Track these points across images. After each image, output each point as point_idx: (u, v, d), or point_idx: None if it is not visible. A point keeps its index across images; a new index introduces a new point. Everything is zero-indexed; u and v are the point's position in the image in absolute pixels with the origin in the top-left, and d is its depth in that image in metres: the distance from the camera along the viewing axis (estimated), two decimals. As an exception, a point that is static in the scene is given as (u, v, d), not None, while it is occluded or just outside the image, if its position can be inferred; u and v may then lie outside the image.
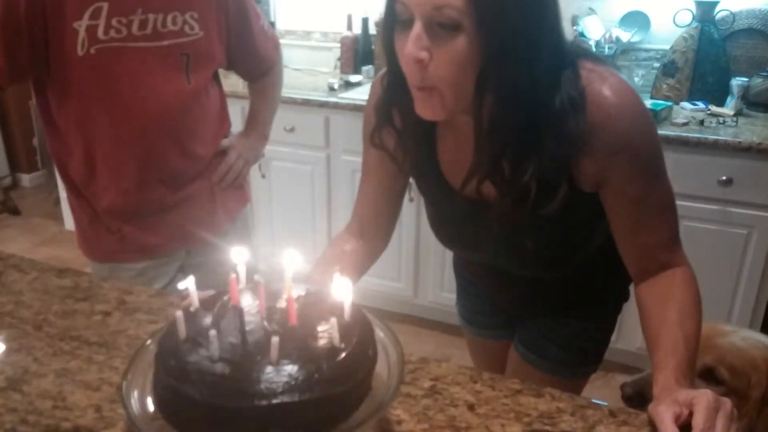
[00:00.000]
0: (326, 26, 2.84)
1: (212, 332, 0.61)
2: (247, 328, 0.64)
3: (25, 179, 3.96)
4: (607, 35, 2.31)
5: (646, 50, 2.37)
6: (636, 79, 2.31)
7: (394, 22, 0.76)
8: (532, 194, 0.80)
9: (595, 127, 0.77)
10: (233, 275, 0.68)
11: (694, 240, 1.82)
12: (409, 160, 0.92)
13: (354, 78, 2.54)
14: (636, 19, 2.33)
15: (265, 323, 0.65)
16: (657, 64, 2.31)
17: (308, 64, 2.85)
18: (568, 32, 2.26)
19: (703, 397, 0.66)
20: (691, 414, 0.66)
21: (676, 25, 2.23)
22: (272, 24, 2.84)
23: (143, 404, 0.64)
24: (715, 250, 1.94)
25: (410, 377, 0.81)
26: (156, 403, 0.64)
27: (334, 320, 0.63)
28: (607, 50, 2.28)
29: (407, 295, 2.47)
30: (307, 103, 2.35)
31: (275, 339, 0.60)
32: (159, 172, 1.27)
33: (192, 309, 0.68)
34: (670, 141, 1.87)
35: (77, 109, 1.20)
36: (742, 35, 2.23)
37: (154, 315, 0.96)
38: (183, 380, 0.60)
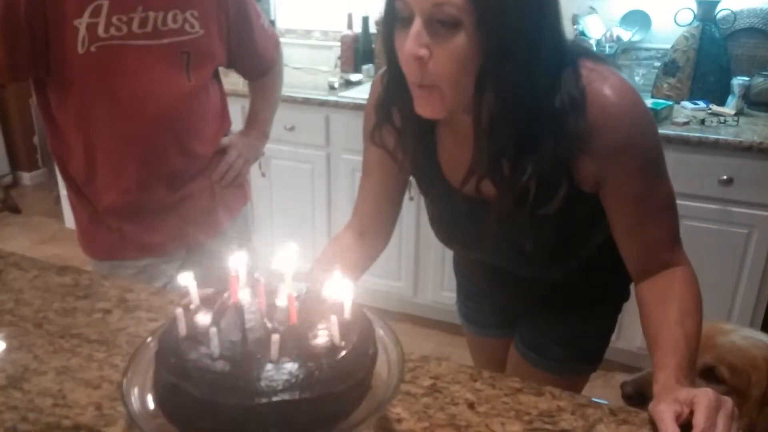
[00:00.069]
0: (326, 25, 2.84)
1: (212, 330, 0.61)
2: (248, 326, 0.64)
3: (26, 177, 3.96)
4: (607, 34, 2.30)
5: (647, 49, 2.37)
6: (637, 79, 2.31)
7: (394, 19, 0.76)
8: (532, 194, 0.80)
9: (596, 126, 0.77)
10: (233, 273, 0.68)
11: (694, 239, 1.82)
12: (409, 158, 0.92)
13: (354, 77, 2.54)
14: (637, 18, 2.33)
15: (266, 321, 0.65)
16: (658, 64, 2.31)
17: (308, 63, 2.85)
18: (569, 31, 2.26)
19: (704, 395, 0.66)
20: (691, 413, 0.66)
21: (677, 24, 2.23)
22: (272, 22, 2.84)
23: (143, 402, 0.64)
24: (716, 250, 1.94)
25: (410, 376, 0.81)
26: (156, 400, 0.64)
27: (334, 318, 0.63)
28: (607, 49, 2.28)
29: (407, 294, 2.47)
30: (307, 101, 2.35)
31: (275, 337, 0.60)
32: (159, 170, 1.27)
33: (192, 307, 0.68)
34: (671, 140, 1.87)
35: (77, 107, 1.19)
36: (743, 34, 2.22)
37: (154, 313, 0.96)
38: (183, 378, 0.60)
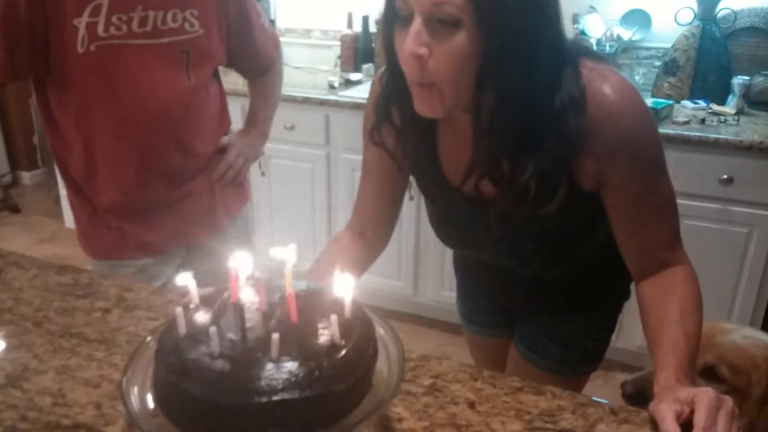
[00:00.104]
0: (326, 24, 2.83)
1: (212, 329, 0.61)
2: (248, 324, 0.64)
3: (26, 177, 3.96)
4: (608, 33, 2.30)
5: (647, 48, 2.37)
6: (637, 78, 2.30)
7: (393, 18, 0.76)
8: (532, 193, 0.80)
9: (596, 125, 0.77)
10: (233, 272, 0.68)
11: (694, 239, 1.82)
12: (408, 158, 0.92)
13: (354, 76, 2.54)
14: (637, 18, 2.32)
15: (266, 320, 0.65)
16: (658, 63, 2.30)
17: (308, 62, 2.85)
18: (569, 30, 2.26)
19: (705, 395, 0.66)
20: (692, 412, 0.66)
21: (678, 23, 2.22)
22: (272, 22, 2.84)
23: (143, 401, 0.64)
24: (716, 249, 1.94)
25: (410, 375, 0.81)
26: (156, 399, 0.64)
27: (334, 317, 0.63)
28: (608, 48, 2.28)
29: (407, 294, 2.47)
30: (307, 101, 2.35)
31: (275, 336, 0.60)
32: (159, 169, 1.26)
33: (192, 306, 0.68)
34: (671, 140, 1.87)
35: (77, 107, 1.19)
36: (744, 33, 2.22)
37: (153, 312, 0.96)
38: (183, 377, 0.59)
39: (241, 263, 0.70)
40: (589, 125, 0.77)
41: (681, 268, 0.85)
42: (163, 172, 1.27)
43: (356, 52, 2.66)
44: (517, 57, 0.72)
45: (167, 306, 0.97)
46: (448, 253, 1.27)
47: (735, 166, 1.86)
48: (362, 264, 0.99)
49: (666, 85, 2.23)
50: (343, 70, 2.68)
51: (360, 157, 1.02)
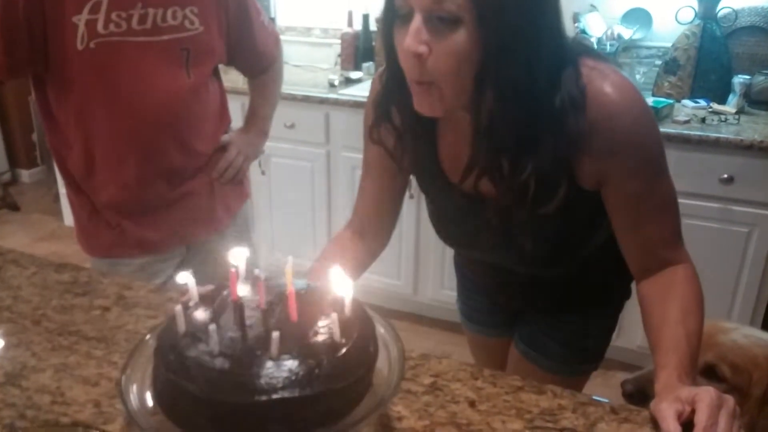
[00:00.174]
0: (327, 22, 2.83)
1: (212, 327, 0.61)
2: (247, 322, 0.64)
3: (25, 175, 3.95)
4: (608, 32, 2.30)
5: (648, 48, 2.36)
6: (637, 77, 2.30)
7: (393, 16, 0.75)
8: (531, 192, 0.80)
9: (596, 124, 0.77)
10: (233, 270, 0.68)
11: (695, 238, 1.81)
12: (408, 156, 0.91)
13: (354, 74, 2.54)
14: (638, 16, 2.32)
15: (266, 318, 0.65)
16: (659, 62, 2.30)
17: (308, 61, 2.84)
18: (570, 29, 2.26)
19: (706, 394, 0.66)
20: (693, 411, 0.66)
21: (678, 22, 2.22)
22: (272, 20, 2.83)
23: (142, 399, 0.64)
24: (716, 249, 1.94)
25: (411, 373, 0.80)
26: (155, 398, 0.64)
27: (334, 315, 0.63)
28: (608, 47, 2.28)
29: (407, 293, 2.47)
30: (307, 99, 2.35)
31: (275, 334, 0.59)
32: (159, 167, 1.26)
33: (191, 304, 0.67)
34: (672, 139, 1.87)
35: (76, 104, 1.19)
36: (745, 33, 2.22)
37: (153, 310, 0.96)
38: (182, 375, 0.59)
39: (240, 261, 0.69)
40: (589, 125, 0.77)
41: (682, 266, 0.85)
42: (162, 170, 1.27)
43: (356, 50, 2.66)
44: (517, 56, 0.72)
45: (167, 304, 0.97)
46: (449, 252, 1.26)
47: (735, 166, 1.86)
48: (362, 263, 0.99)
49: (666, 84, 2.23)
50: (344, 68, 2.68)
51: (360, 156, 1.01)
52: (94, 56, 1.13)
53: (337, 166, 2.41)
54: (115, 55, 1.15)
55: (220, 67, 1.36)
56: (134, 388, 0.65)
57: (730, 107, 2.06)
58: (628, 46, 2.35)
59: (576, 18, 2.33)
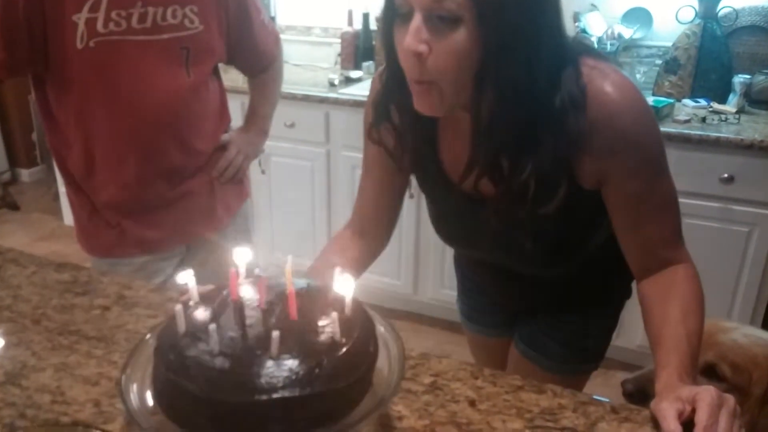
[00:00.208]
0: (327, 21, 2.83)
1: (212, 326, 0.60)
2: (247, 322, 0.64)
3: (24, 174, 3.95)
4: (609, 32, 2.30)
5: (648, 47, 2.36)
6: (638, 76, 2.30)
7: (393, 15, 0.75)
8: (531, 192, 0.79)
9: (597, 124, 0.77)
10: (233, 269, 0.68)
11: (695, 237, 1.80)
12: (408, 156, 0.91)
13: (354, 74, 2.53)
14: (638, 16, 2.32)
15: (266, 318, 0.65)
16: (659, 61, 2.30)
17: (308, 60, 2.84)
18: (570, 28, 2.26)
19: (706, 393, 0.66)
20: (694, 411, 0.66)
21: (679, 21, 2.22)
22: (272, 19, 2.83)
23: (142, 399, 0.64)
24: (717, 248, 1.94)
25: (411, 373, 0.80)
26: (155, 397, 0.64)
27: (335, 315, 0.63)
28: (609, 47, 2.28)
29: (407, 292, 2.47)
30: (307, 98, 2.34)
31: (276, 333, 0.59)
32: (158, 166, 1.26)
33: (192, 303, 0.67)
34: (672, 138, 1.87)
35: (76, 103, 1.19)
36: (745, 32, 2.22)
37: (153, 310, 0.96)
38: (182, 375, 0.59)
39: (240, 260, 0.69)
40: (589, 124, 0.76)
41: (683, 266, 0.85)
42: (162, 169, 1.27)
43: (356, 49, 2.66)
44: (517, 55, 0.71)
45: (167, 303, 0.97)
46: (448, 252, 1.26)
47: (736, 165, 1.86)
48: (363, 263, 0.99)
49: (667, 83, 2.23)
50: (344, 67, 2.68)
51: (360, 155, 1.01)
52: (93, 55, 1.13)
53: (337, 165, 2.41)
54: (114, 54, 1.15)
55: (220, 66, 1.36)
56: (134, 387, 0.65)
57: (730, 107, 2.06)
58: (629, 46, 2.35)
59: (576, 17, 2.33)
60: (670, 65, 2.22)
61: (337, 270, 0.68)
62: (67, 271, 1.07)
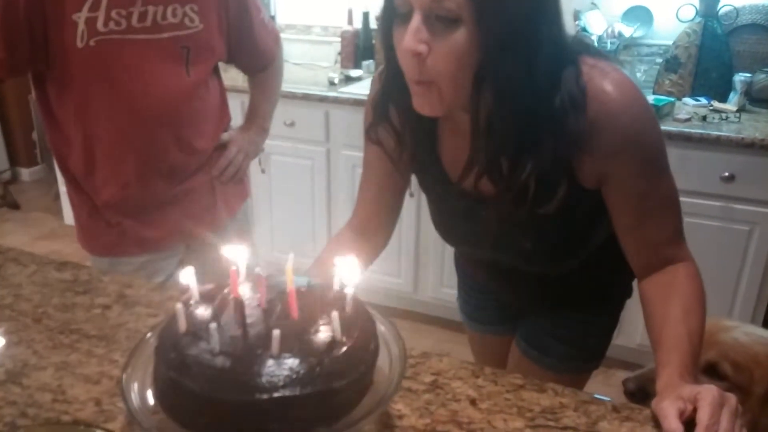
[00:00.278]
0: (327, 20, 2.82)
1: (212, 325, 0.60)
2: (248, 321, 0.64)
3: (25, 173, 3.95)
4: (609, 30, 2.30)
5: (649, 45, 2.36)
6: (638, 75, 2.30)
7: (392, 15, 0.75)
8: (531, 192, 0.79)
9: (597, 123, 0.76)
10: (233, 268, 0.68)
11: (696, 236, 1.80)
12: (408, 155, 0.91)
13: (354, 73, 2.53)
14: (639, 14, 2.32)
15: (266, 316, 0.65)
16: (659, 60, 2.30)
17: (308, 59, 2.84)
18: (570, 27, 2.25)
19: (708, 392, 0.66)
20: (695, 410, 0.66)
21: (679, 20, 2.22)
22: (272, 18, 2.83)
23: (143, 397, 0.64)
24: (717, 247, 1.94)
25: (411, 372, 0.80)
26: (156, 396, 0.64)
27: (335, 314, 0.62)
28: (609, 45, 2.27)
29: (407, 291, 2.47)
30: (307, 97, 2.34)
31: (276, 332, 0.59)
32: (159, 165, 1.26)
33: (192, 302, 0.67)
34: (673, 137, 1.87)
35: (77, 102, 1.19)
36: (746, 31, 2.21)
37: (153, 308, 0.96)
38: (183, 373, 0.59)
39: (241, 259, 0.69)
40: (589, 124, 0.76)
41: (684, 264, 0.85)
42: (162, 168, 1.27)
43: (356, 48, 2.66)
44: (516, 55, 0.71)
45: (167, 302, 0.97)
46: (449, 251, 1.26)
47: (736, 164, 1.86)
48: (363, 262, 0.98)
49: (667, 82, 2.22)
50: (344, 66, 2.68)
51: (360, 154, 1.01)
52: (94, 54, 1.13)
53: (337, 164, 2.41)
54: (115, 53, 1.14)
55: (220, 65, 1.36)
56: (135, 386, 0.65)
57: (731, 105, 2.06)
58: (629, 44, 2.35)
59: (577, 16, 2.32)
60: (671, 64, 2.21)
61: (338, 268, 0.68)
62: (67, 270, 1.07)
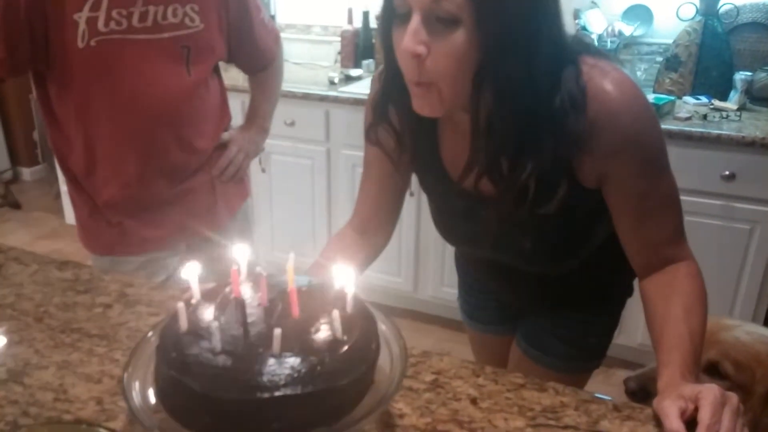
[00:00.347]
0: (327, 20, 2.82)
1: (214, 324, 0.61)
2: (249, 320, 0.64)
3: (26, 173, 3.96)
4: (609, 29, 2.29)
5: (649, 44, 2.36)
6: (638, 74, 2.30)
7: (391, 16, 0.75)
8: (531, 192, 0.79)
9: (597, 123, 0.76)
10: (234, 267, 0.68)
11: (696, 235, 1.80)
12: (408, 156, 0.91)
13: (354, 72, 2.53)
14: (639, 13, 2.32)
15: (267, 315, 0.65)
16: (660, 59, 2.30)
17: (308, 58, 2.84)
18: (570, 26, 2.25)
19: (709, 391, 0.66)
20: (696, 409, 0.66)
21: (680, 18, 2.22)
22: (272, 17, 2.83)
23: (144, 396, 0.64)
24: (718, 246, 1.94)
25: (412, 371, 0.80)
26: (157, 395, 0.64)
27: (336, 312, 0.63)
28: (609, 44, 2.27)
29: (407, 290, 2.47)
30: (307, 97, 2.34)
31: (278, 331, 0.59)
32: (159, 165, 1.26)
33: (193, 301, 0.67)
34: (673, 135, 1.87)
35: (77, 102, 1.19)
36: (746, 29, 2.21)
37: (154, 307, 0.96)
38: (184, 372, 0.59)
39: (241, 258, 0.69)
40: (590, 124, 0.76)
41: (685, 264, 0.84)
42: (163, 167, 1.27)
43: (356, 47, 2.66)
44: (516, 56, 0.71)
45: (168, 301, 0.97)
46: (449, 250, 1.26)
47: (737, 163, 1.86)
48: (363, 262, 0.99)
49: (668, 80, 2.22)
50: (344, 66, 2.67)
51: (360, 153, 1.01)
52: (94, 54, 1.13)
53: (337, 163, 2.41)
54: (115, 53, 1.14)
55: (221, 64, 1.36)
56: (136, 385, 0.65)
57: (731, 104, 2.06)
58: (629, 43, 2.35)
59: (576, 14, 2.32)
60: (671, 62, 2.21)
61: (341, 266, 0.68)
62: (68, 269, 1.07)
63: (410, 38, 0.71)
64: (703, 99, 2.12)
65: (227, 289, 0.69)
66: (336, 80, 2.44)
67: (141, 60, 1.17)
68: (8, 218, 3.48)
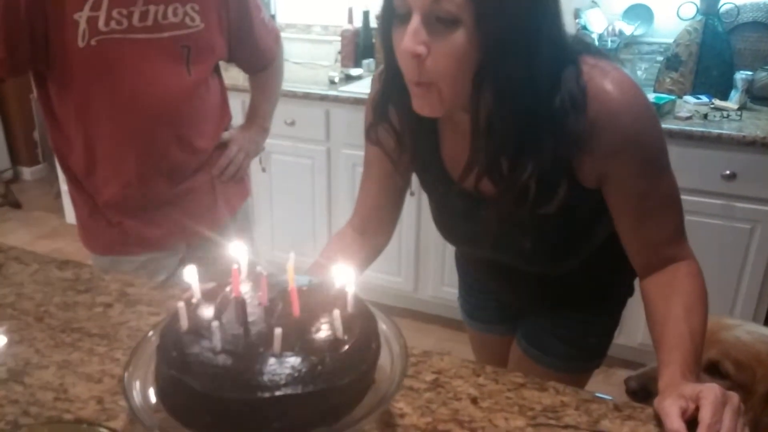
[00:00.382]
0: (327, 19, 2.82)
1: (214, 324, 0.60)
2: (250, 319, 0.64)
3: (26, 173, 3.96)
4: (609, 28, 2.29)
5: (650, 44, 2.36)
6: (639, 73, 2.30)
7: (391, 16, 0.75)
8: (531, 192, 0.79)
9: (598, 123, 0.76)
10: (235, 267, 0.68)
11: (697, 235, 1.79)
12: (408, 155, 0.91)
13: (355, 71, 2.53)
14: (639, 12, 2.31)
15: (268, 315, 0.65)
16: (660, 58, 2.30)
17: (309, 58, 2.84)
18: (570, 25, 2.25)
19: (710, 391, 0.66)
20: (697, 408, 0.66)
21: (680, 18, 2.21)
22: (273, 17, 2.83)
23: (145, 396, 0.64)
24: (719, 245, 1.93)
25: (413, 370, 0.80)
26: (158, 394, 0.64)
27: (337, 312, 0.62)
28: (609, 44, 2.27)
29: (407, 290, 2.47)
30: (307, 96, 2.34)
31: (278, 330, 0.59)
32: (159, 164, 1.26)
33: (194, 301, 0.67)
34: (674, 135, 1.87)
35: (78, 101, 1.19)
36: (747, 28, 2.21)
37: (155, 307, 0.96)
38: (185, 372, 0.59)
39: (242, 258, 0.69)
40: (590, 124, 0.76)
41: (685, 263, 0.84)
42: (163, 167, 1.27)
43: (357, 47, 2.66)
44: (516, 56, 0.71)
45: (169, 301, 0.97)
46: (449, 249, 1.26)
47: (738, 162, 1.86)
48: (364, 261, 0.99)
49: (668, 80, 2.22)
50: (344, 65, 2.67)
51: (361, 153, 1.01)
52: (95, 54, 1.13)
53: (337, 163, 2.41)
54: (116, 53, 1.14)
55: (221, 64, 1.36)
56: (137, 384, 0.65)
57: (732, 103, 2.06)
58: (630, 43, 2.35)
59: (577, 14, 2.32)
60: (672, 62, 2.21)
61: (340, 267, 0.68)
62: (69, 268, 1.07)
63: (410, 38, 0.71)
64: (704, 98, 2.11)
65: (228, 289, 0.69)
66: (336, 80, 2.44)
67: (141, 59, 1.17)
68: (9, 218, 3.49)
